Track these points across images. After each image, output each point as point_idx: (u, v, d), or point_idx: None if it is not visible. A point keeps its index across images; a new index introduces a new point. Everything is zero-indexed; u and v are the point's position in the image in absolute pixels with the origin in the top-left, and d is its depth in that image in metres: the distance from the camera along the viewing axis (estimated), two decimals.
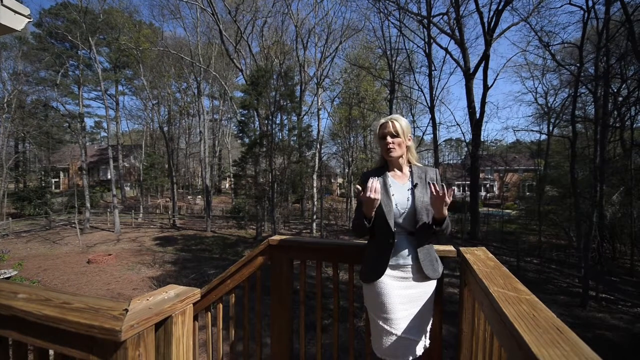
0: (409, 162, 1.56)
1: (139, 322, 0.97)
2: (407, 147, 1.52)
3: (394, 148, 1.46)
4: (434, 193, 1.30)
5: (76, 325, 0.94)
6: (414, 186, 1.47)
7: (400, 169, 1.54)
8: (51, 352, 1.08)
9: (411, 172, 1.52)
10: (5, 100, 23.68)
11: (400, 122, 1.47)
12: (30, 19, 1.91)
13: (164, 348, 1.14)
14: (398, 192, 1.47)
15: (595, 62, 12.37)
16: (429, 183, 1.38)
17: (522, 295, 0.90)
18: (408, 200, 1.44)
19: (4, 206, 23.80)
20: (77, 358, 1.01)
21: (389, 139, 1.46)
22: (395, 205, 1.43)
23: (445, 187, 1.34)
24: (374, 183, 1.33)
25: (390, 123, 1.47)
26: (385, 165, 1.56)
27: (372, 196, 1.31)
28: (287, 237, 1.82)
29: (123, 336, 0.90)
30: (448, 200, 1.30)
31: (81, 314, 0.96)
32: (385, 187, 1.47)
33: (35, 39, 29.17)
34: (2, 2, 1.73)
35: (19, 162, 30.18)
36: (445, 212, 1.36)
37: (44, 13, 29.84)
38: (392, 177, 1.51)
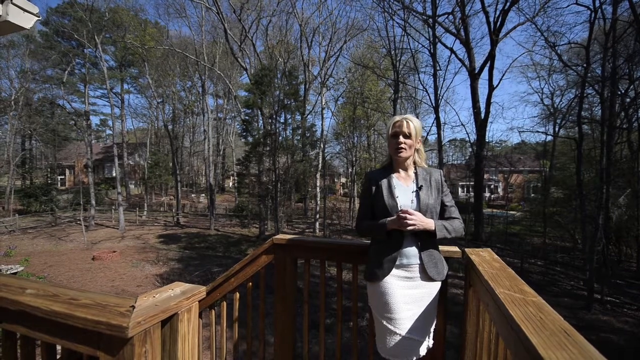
0: (414, 163, 1.55)
1: (145, 318, 0.98)
2: (416, 150, 1.52)
3: (404, 148, 1.46)
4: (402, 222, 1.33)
5: (83, 321, 0.95)
6: (419, 188, 1.47)
7: (406, 170, 1.53)
8: (58, 347, 1.09)
9: (416, 173, 1.52)
10: (13, 97, 23.95)
11: (414, 123, 1.46)
12: (39, 17, 1.93)
13: (169, 345, 1.15)
14: (402, 194, 1.46)
15: (602, 62, 12.20)
16: (399, 212, 1.36)
17: (528, 297, 0.89)
18: (412, 202, 1.44)
19: (10, 203, 24.09)
20: (84, 354, 1.02)
21: (401, 139, 1.45)
22: (400, 207, 1.42)
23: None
24: (418, 217, 1.35)
25: (404, 122, 1.45)
26: (390, 164, 1.56)
27: (408, 224, 1.32)
28: (292, 236, 1.82)
29: (130, 332, 0.91)
30: (409, 223, 1.32)
31: (89, 310, 0.97)
32: (390, 188, 1.47)
33: (42, 37, 29.44)
34: (11, 0, 1.75)
35: (25, 159, 30.51)
36: (428, 224, 1.36)
37: (51, 11, 30.16)
38: (396, 178, 1.51)
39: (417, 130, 1.47)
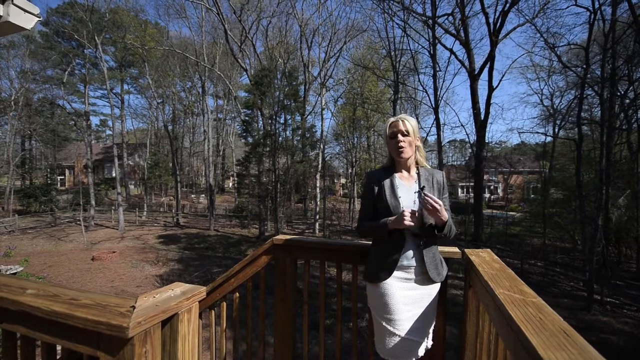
0: (416, 163, 1.54)
1: (145, 319, 0.98)
2: (416, 147, 1.51)
3: (404, 147, 1.44)
4: (430, 207, 1.28)
5: (84, 322, 0.95)
6: (422, 189, 1.46)
7: (408, 171, 1.52)
8: (58, 347, 1.09)
9: (418, 174, 1.51)
10: (13, 98, 23.96)
11: (410, 122, 1.45)
12: (39, 17, 1.93)
13: (170, 345, 1.15)
14: (405, 194, 1.45)
15: (601, 63, 12.21)
16: (423, 198, 1.31)
17: (528, 297, 0.89)
18: (415, 202, 1.43)
19: (10, 203, 24.07)
20: (84, 354, 1.02)
21: (400, 137, 1.44)
22: (403, 207, 1.41)
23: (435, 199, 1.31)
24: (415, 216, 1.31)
25: (400, 122, 1.45)
26: (392, 165, 1.54)
27: (408, 223, 1.29)
28: (291, 236, 1.82)
29: (130, 333, 0.91)
30: (443, 213, 1.29)
31: (89, 310, 0.97)
32: (392, 188, 1.46)
33: (43, 38, 29.47)
34: (12, 1, 1.75)
35: (25, 160, 30.49)
36: (445, 216, 1.33)
37: (51, 12, 30.19)
38: (399, 178, 1.49)
39: (415, 128, 1.46)
